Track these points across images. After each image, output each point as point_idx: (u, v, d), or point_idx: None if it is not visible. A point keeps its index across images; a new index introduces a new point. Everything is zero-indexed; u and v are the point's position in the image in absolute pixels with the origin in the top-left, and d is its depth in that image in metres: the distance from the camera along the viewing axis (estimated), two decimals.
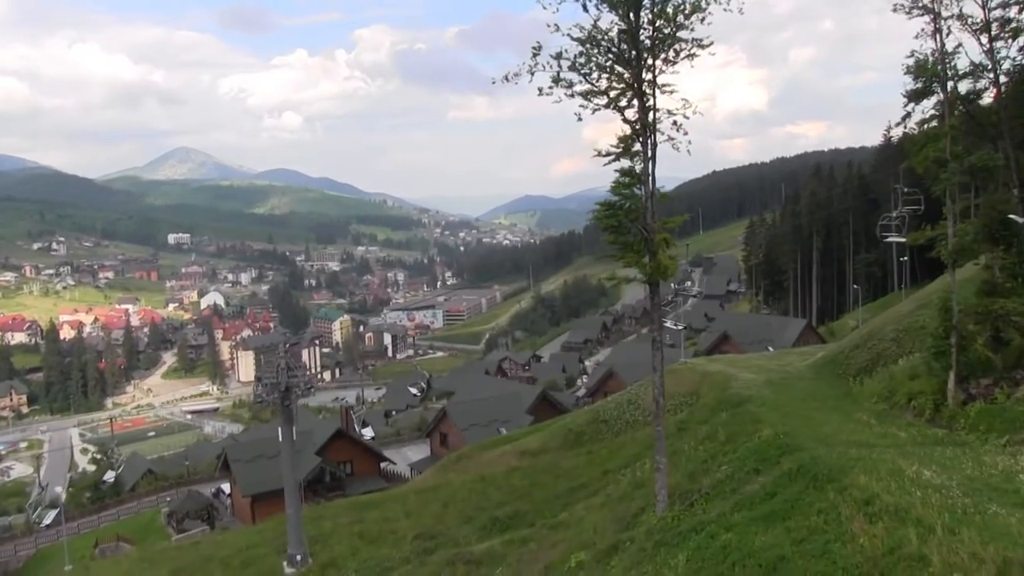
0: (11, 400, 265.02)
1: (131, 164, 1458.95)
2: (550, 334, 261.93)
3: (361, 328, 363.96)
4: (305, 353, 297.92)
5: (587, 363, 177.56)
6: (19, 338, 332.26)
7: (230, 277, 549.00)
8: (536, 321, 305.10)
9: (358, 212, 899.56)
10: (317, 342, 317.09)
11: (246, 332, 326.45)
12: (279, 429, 32.27)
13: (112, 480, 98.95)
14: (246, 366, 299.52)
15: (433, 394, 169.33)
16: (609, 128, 24.34)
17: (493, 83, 23.45)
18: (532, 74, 22.49)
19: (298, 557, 30.28)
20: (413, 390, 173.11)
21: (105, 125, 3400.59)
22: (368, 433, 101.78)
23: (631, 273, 23.72)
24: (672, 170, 24.06)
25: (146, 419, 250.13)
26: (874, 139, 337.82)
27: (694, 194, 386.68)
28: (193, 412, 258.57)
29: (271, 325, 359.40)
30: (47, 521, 68.43)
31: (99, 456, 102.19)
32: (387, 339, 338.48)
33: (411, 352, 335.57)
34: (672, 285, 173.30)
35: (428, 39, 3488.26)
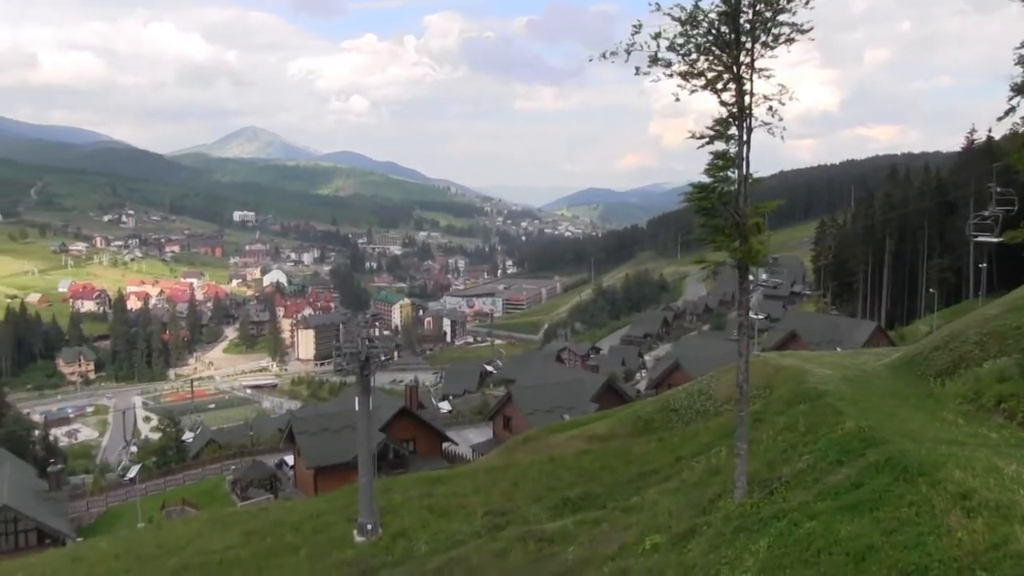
0: (80, 366, 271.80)
1: (200, 141, 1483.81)
2: (609, 327, 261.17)
3: (420, 312, 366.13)
4: (346, 338, 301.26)
5: (646, 357, 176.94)
6: (88, 306, 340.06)
7: (293, 256, 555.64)
8: (596, 314, 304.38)
9: (421, 198, 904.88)
10: (377, 324, 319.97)
11: (307, 311, 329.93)
12: (356, 399, 32.51)
13: (191, 440, 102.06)
14: (306, 344, 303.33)
15: (491, 380, 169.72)
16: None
17: (591, 60, 23.55)
18: (628, 53, 22.34)
19: (369, 526, 30.51)
20: (489, 367, 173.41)
21: (176, 102, 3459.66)
22: (445, 407, 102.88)
23: (721, 257, 23.53)
24: None
25: (207, 391, 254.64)
26: (949, 144, 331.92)
27: (760, 193, 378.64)
28: (252, 387, 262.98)
29: (332, 305, 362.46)
30: (131, 475, 70.39)
31: (166, 422, 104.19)
32: (446, 324, 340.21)
33: (469, 339, 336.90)
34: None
35: (496, 27, 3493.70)
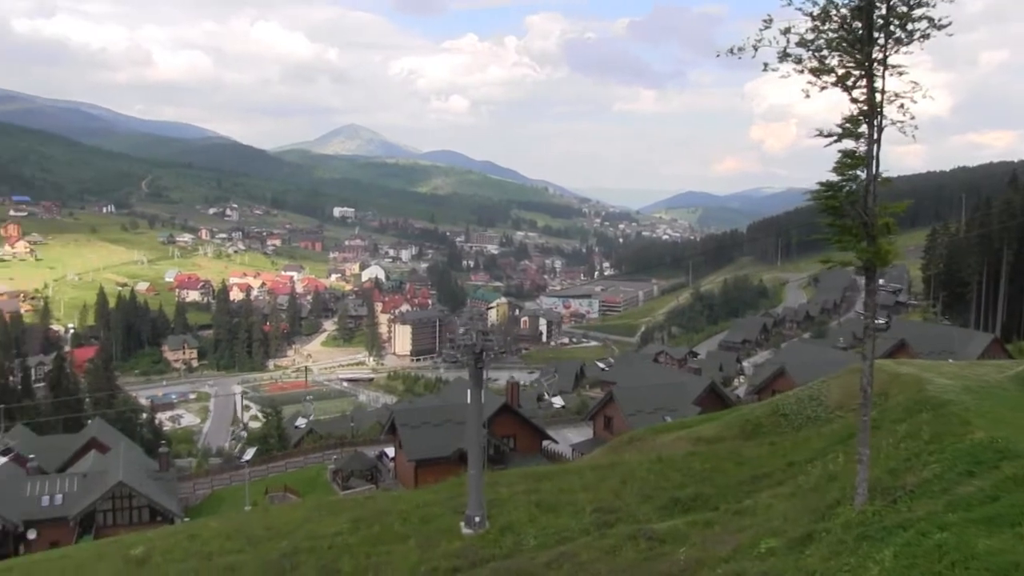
0: (184, 354, 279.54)
1: (302, 138, 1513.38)
2: (707, 332, 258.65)
3: (516, 312, 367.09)
4: (461, 330, 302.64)
5: (745, 363, 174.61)
6: (193, 296, 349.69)
7: (391, 252, 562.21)
8: (693, 318, 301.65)
9: (519, 197, 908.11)
10: (457, 322, 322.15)
11: (404, 307, 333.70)
12: (467, 392, 32.65)
13: (304, 426, 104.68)
14: (402, 340, 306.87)
15: (587, 381, 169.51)
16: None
17: (717, 56, 23.05)
18: (756, 49, 22.00)
19: (477, 519, 30.60)
20: (601, 364, 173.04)
21: (280, 99, 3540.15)
22: (558, 402, 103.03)
23: (848, 257, 23.02)
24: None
25: (305, 383, 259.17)
26: None
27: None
28: (349, 380, 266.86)
29: (429, 302, 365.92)
30: (247, 457, 72.56)
31: (269, 411, 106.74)
32: (542, 324, 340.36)
33: (565, 339, 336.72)
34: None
35: (598, 29, 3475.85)
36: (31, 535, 60.28)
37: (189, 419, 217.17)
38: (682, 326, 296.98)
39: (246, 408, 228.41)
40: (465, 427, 62.35)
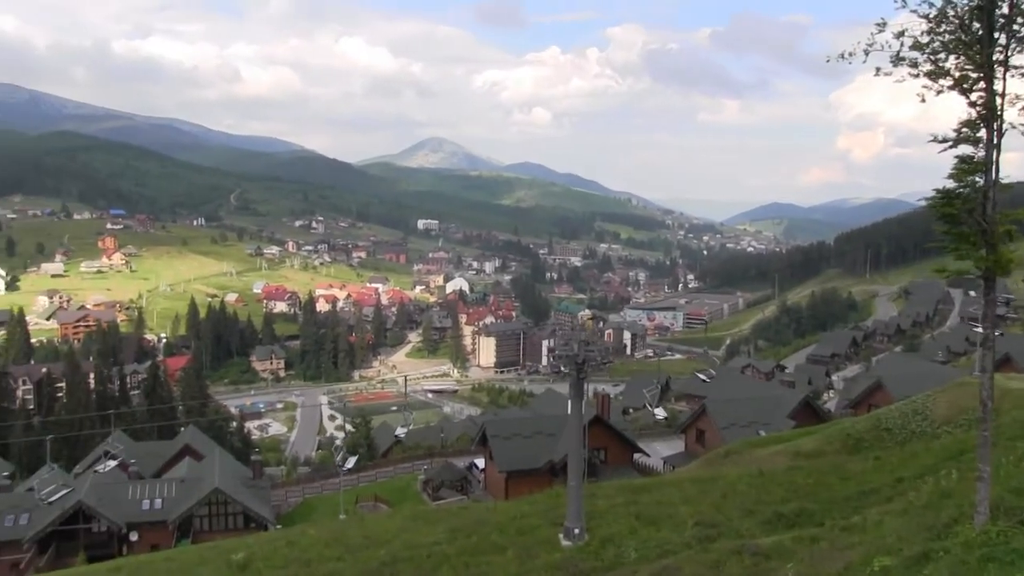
0: (271, 364, 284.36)
1: (386, 151, 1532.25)
2: (794, 345, 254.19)
3: (601, 324, 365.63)
4: (545, 344, 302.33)
5: (834, 377, 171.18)
6: (280, 307, 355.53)
7: (474, 265, 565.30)
8: (780, 331, 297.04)
9: (602, 209, 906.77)
10: (558, 333, 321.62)
11: (489, 319, 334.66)
12: (568, 401, 32.48)
13: (403, 436, 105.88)
14: (486, 351, 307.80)
15: (672, 395, 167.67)
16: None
17: (827, 61, 22.47)
18: (867, 53, 21.40)
19: (576, 530, 30.31)
20: (702, 376, 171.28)
21: (364, 113, 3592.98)
22: (660, 413, 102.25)
23: (966, 266, 22.20)
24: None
25: (389, 394, 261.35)
26: None
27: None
28: (433, 391, 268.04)
29: (513, 314, 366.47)
30: (348, 465, 73.67)
31: (358, 420, 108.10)
32: (626, 337, 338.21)
33: (649, 352, 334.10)
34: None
35: (680, 39, 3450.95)
36: (133, 537, 61.99)
37: (276, 428, 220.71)
38: (768, 339, 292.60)
39: (332, 418, 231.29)
40: (563, 437, 62.18)
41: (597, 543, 28.92)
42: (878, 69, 21.72)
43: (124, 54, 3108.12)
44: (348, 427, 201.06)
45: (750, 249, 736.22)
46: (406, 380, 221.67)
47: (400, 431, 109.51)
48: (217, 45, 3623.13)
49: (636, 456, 67.51)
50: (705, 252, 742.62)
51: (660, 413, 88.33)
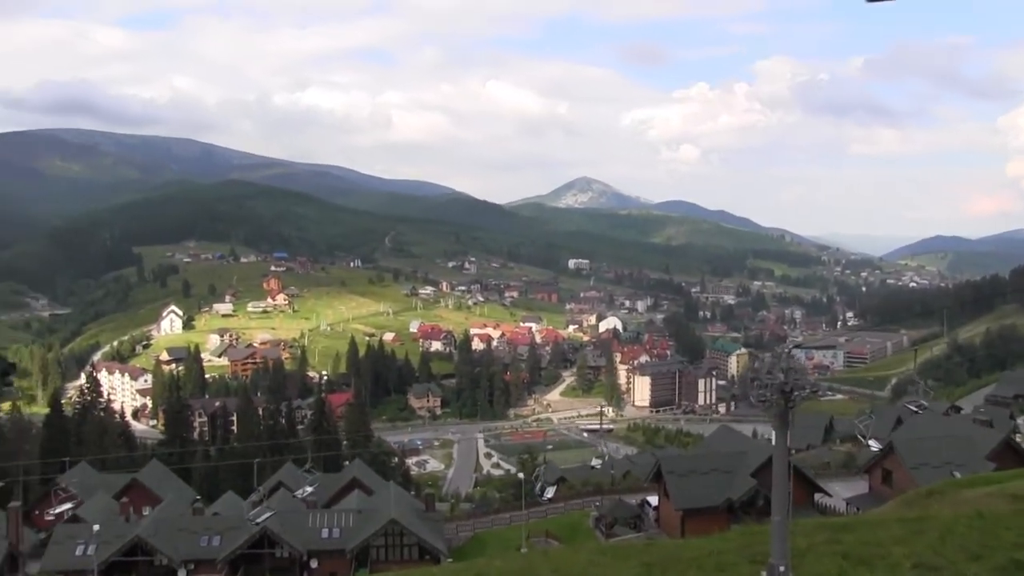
0: (428, 401, 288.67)
1: (535, 192, 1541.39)
2: (969, 386, 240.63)
3: (756, 364, 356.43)
4: (701, 383, 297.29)
5: (1019, 420, 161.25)
6: (436, 346, 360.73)
7: (626, 303, 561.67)
8: (951, 370, 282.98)
9: (754, 246, 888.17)
10: (714, 373, 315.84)
11: (643, 357, 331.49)
12: (773, 432, 30.77)
13: (600, 467, 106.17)
14: (641, 390, 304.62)
15: (837, 435, 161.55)
16: None
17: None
18: None
19: (781, 568, 28.44)
20: (913, 407, 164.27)
21: (512, 154, 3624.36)
22: (875, 445, 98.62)
23: None
24: None
25: (545, 432, 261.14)
26: None
27: None
28: (588, 430, 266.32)
29: (668, 352, 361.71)
30: (548, 495, 73.84)
31: (525, 457, 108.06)
32: None
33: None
34: None
35: (831, 69, 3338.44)
36: (313, 564, 63.93)
37: (434, 465, 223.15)
38: (938, 379, 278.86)
39: (488, 456, 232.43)
40: (740, 475, 60.27)
41: None
42: None
43: (284, 106, 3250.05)
44: (510, 463, 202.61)
45: (913, 285, 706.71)
46: (600, 417, 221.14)
47: (596, 462, 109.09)
48: (370, 93, 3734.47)
49: (816, 496, 64.61)
50: (864, 288, 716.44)
51: (875, 445, 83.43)
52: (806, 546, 32.32)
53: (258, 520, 64.54)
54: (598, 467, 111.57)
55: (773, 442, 33.68)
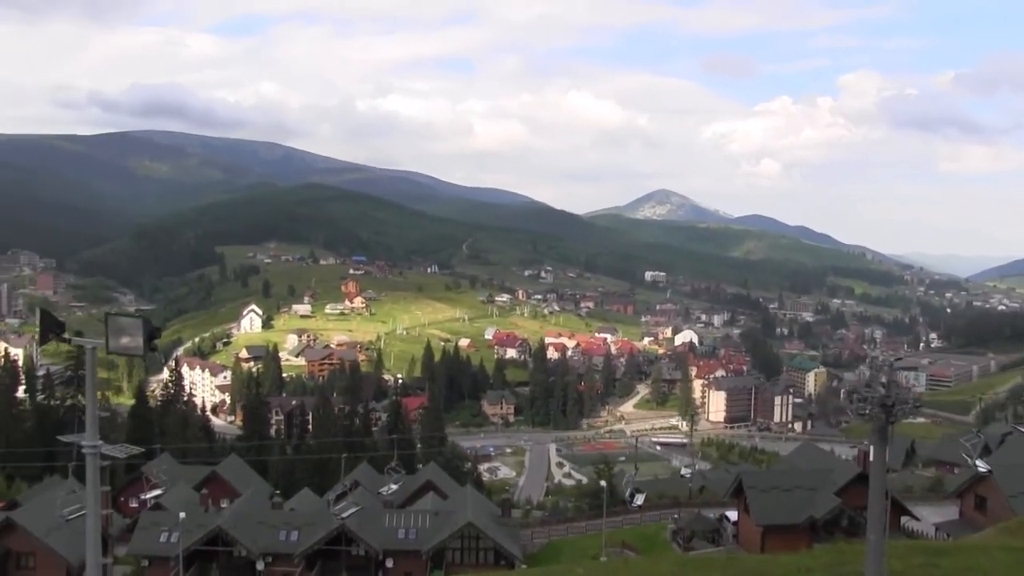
0: (501, 408, 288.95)
1: (612, 203, 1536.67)
2: None
3: (835, 383, 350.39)
4: (777, 400, 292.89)
5: None
6: (511, 353, 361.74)
7: (703, 317, 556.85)
8: None
9: (835, 263, 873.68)
10: (791, 391, 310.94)
11: (719, 372, 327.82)
12: (870, 448, 30.05)
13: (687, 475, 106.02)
14: (716, 405, 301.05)
15: (919, 460, 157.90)
16: None
17: None
18: None
19: None
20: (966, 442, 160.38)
21: (590, 165, 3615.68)
22: (983, 467, 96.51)
23: None
24: None
25: (617, 444, 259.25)
26: None
27: None
28: (661, 444, 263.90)
29: (744, 368, 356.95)
30: (638, 502, 73.79)
31: (602, 466, 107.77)
32: None
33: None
34: None
35: (919, 84, 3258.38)
36: (389, 564, 64.14)
37: (505, 472, 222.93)
38: None
39: (559, 465, 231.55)
40: (823, 493, 59.09)
41: None
42: None
43: (365, 111, 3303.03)
44: (582, 473, 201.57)
45: (1002, 307, 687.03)
46: (689, 428, 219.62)
47: (686, 472, 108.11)
48: (451, 100, 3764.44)
49: (903, 519, 62.98)
50: (948, 310, 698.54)
51: (983, 467, 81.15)
52: (901, 569, 31.54)
53: (343, 515, 65.01)
54: (687, 476, 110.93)
55: (871, 458, 32.99)
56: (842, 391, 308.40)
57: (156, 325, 14.15)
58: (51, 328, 14.17)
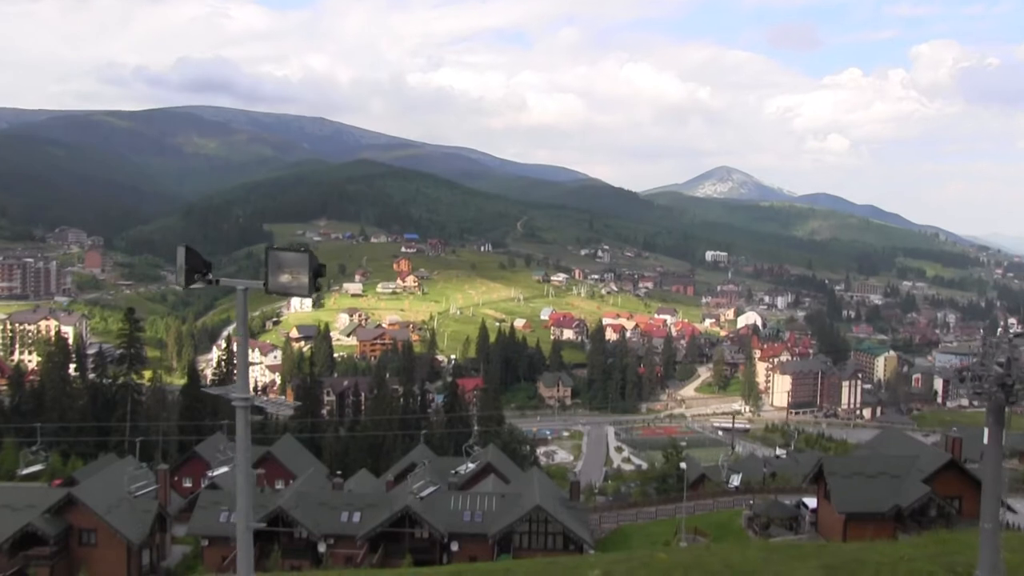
0: (558, 391, 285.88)
1: (672, 180, 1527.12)
2: None
3: (906, 368, 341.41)
4: (845, 385, 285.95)
5: None
6: (568, 334, 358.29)
7: (766, 299, 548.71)
8: None
9: (905, 244, 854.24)
10: (859, 376, 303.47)
11: (784, 356, 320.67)
12: (986, 430, 26.26)
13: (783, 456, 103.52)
14: (781, 390, 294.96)
15: (1005, 450, 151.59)
16: None
17: None
18: None
19: None
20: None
21: (650, 141, 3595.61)
22: None
23: None
24: None
25: (677, 428, 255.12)
26: None
27: None
28: (723, 429, 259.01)
29: (810, 352, 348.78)
30: (735, 483, 71.77)
31: (670, 451, 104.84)
32: (936, 383, 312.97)
33: (964, 401, 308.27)
34: None
35: (1001, 54, 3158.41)
36: (454, 547, 63.65)
37: (562, 456, 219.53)
38: None
39: (619, 449, 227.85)
40: (909, 481, 55.00)
41: None
42: None
43: (417, 86, 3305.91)
44: (641, 458, 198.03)
45: None
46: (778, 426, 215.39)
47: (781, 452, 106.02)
48: (504, 75, 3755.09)
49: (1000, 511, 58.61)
50: None
51: None
52: (1015, 562, 28.01)
53: (421, 494, 64.93)
54: (783, 457, 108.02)
55: (985, 440, 29.12)
56: (954, 371, 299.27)
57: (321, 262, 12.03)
58: (197, 268, 13.42)
